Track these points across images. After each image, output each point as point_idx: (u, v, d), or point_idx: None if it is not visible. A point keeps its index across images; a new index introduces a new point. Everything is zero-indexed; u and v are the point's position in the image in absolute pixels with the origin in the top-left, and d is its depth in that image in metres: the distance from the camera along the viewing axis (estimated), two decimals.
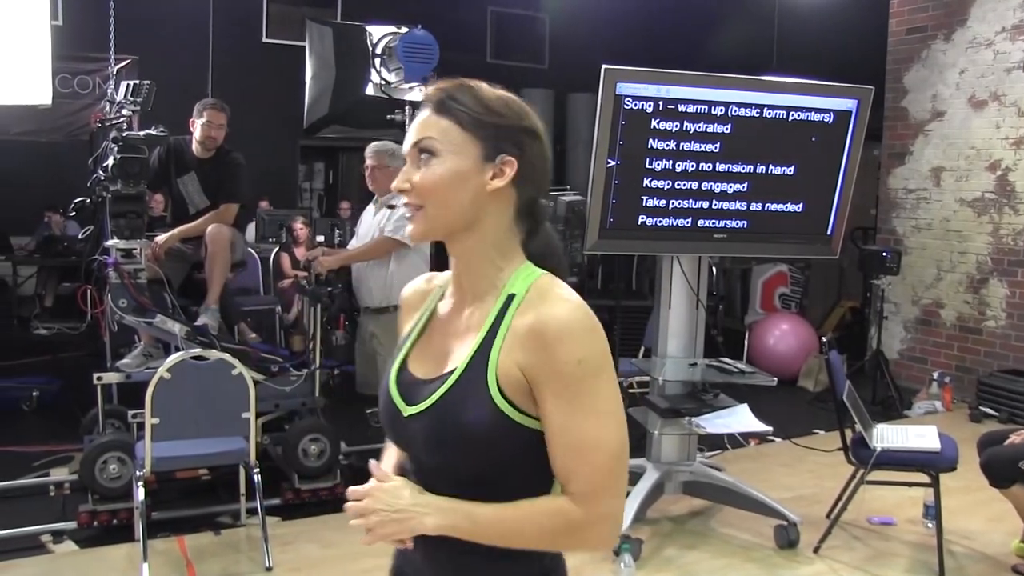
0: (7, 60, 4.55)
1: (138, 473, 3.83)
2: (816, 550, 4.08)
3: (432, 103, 1.40)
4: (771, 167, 4.26)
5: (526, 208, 1.42)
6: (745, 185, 4.24)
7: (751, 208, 4.28)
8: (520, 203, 1.41)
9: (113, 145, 4.25)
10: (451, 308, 1.45)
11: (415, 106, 5.34)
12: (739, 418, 4.23)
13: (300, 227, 7.85)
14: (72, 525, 4.15)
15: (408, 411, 1.39)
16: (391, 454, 1.51)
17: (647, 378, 5.01)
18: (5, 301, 9.46)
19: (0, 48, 4.54)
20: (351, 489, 1.37)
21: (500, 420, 1.31)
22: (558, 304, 1.32)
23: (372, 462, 1.42)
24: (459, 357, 1.36)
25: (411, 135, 1.40)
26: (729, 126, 4.13)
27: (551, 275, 1.40)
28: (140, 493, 3.80)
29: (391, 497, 1.35)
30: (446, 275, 1.51)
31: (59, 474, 4.82)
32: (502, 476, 1.35)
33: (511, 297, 1.36)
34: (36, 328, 8.60)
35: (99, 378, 4.37)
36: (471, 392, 1.33)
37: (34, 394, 6.04)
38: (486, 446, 1.32)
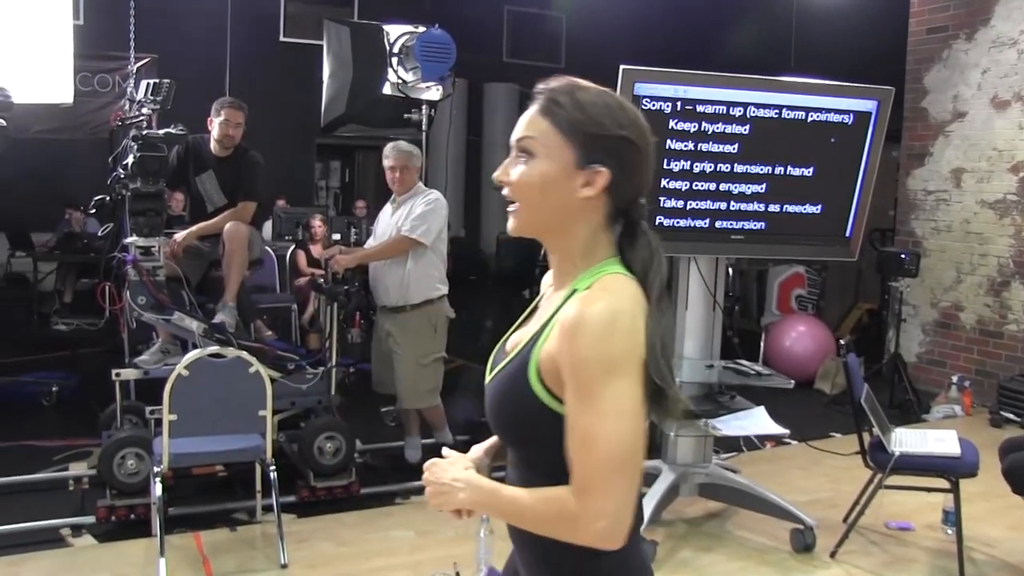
0: (30, 59, 4.59)
1: (155, 469, 3.85)
2: (833, 555, 4.06)
3: (538, 101, 1.44)
4: (789, 168, 4.24)
5: (620, 211, 1.44)
6: (763, 186, 4.22)
7: (769, 209, 4.26)
8: (612, 208, 1.43)
9: (133, 143, 4.27)
10: (547, 296, 1.55)
11: (432, 105, 5.36)
12: (756, 420, 4.21)
13: (318, 224, 7.87)
14: (90, 519, 4.18)
15: (488, 378, 1.53)
16: None
17: None
18: (25, 297, 9.54)
19: (23, 48, 4.56)
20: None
21: (532, 402, 1.39)
22: (591, 302, 1.34)
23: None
24: (523, 341, 1.47)
25: (516, 130, 1.45)
26: (747, 127, 4.12)
27: (619, 275, 1.41)
28: (157, 489, 3.82)
29: (440, 471, 1.51)
30: None
31: (78, 469, 4.87)
32: (537, 453, 1.44)
33: (574, 292, 1.40)
34: (55, 324, 8.66)
35: (117, 374, 4.40)
36: (516, 373, 1.42)
37: (53, 389, 6.08)
38: (517, 422, 1.45)
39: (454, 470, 1.51)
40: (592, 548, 1.34)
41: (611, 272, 1.41)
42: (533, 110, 1.44)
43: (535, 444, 1.43)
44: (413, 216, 4.79)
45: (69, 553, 3.97)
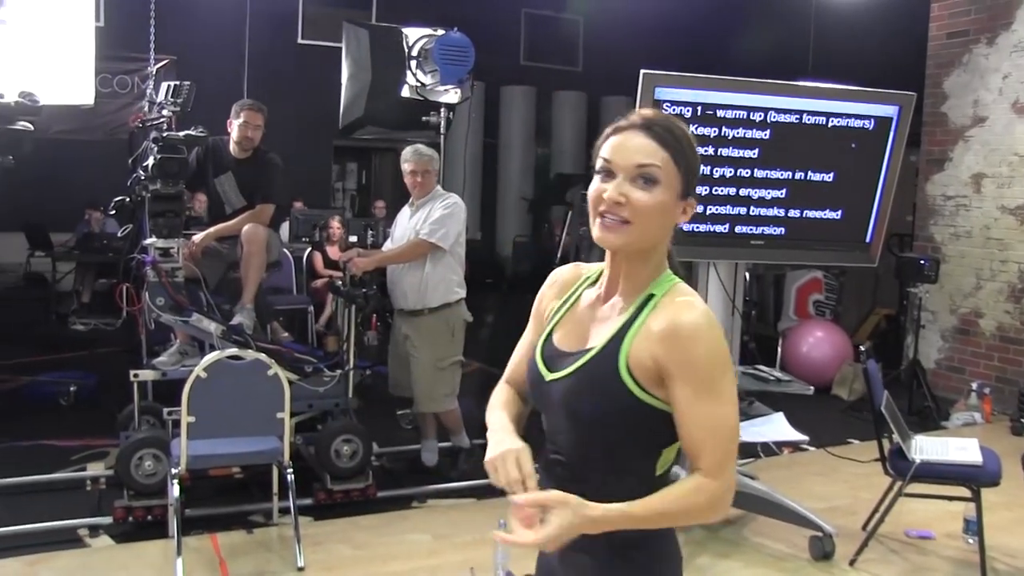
0: (52, 61, 4.61)
1: (173, 470, 3.86)
2: (852, 563, 4.03)
3: (651, 130, 1.57)
4: (810, 173, 4.21)
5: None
6: (783, 191, 4.20)
7: (789, 215, 4.23)
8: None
9: (153, 145, 4.29)
10: (597, 297, 1.66)
11: (450, 108, 5.35)
12: (775, 426, 4.19)
13: (336, 226, 7.89)
14: (108, 520, 4.20)
15: (549, 376, 1.63)
16: (500, 412, 1.72)
17: None
18: (44, 297, 9.60)
19: (45, 49, 4.59)
20: (532, 498, 1.48)
21: (623, 394, 1.54)
22: (690, 310, 1.55)
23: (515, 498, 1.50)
24: (599, 338, 1.59)
25: (633, 154, 1.55)
26: (768, 132, 4.10)
27: (682, 282, 1.64)
28: (175, 490, 3.83)
29: (551, 528, 1.44)
30: (593, 267, 1.75)
31: (96, 469, 4.89)
32: (617, 440, 1.57)
33: (650, 297, 1.59)
34: (74, 324, 8.69)
35: (135, 375, 4.42)
36: (604, 368, 1.56)
37: (71, 389, 6.11)
38: (607, 412, 1.55)
39: (560, 517, 1.45)
40: (660, 545, 1.62)
41: (677, 279, 1.63)
42: (646, 137, 1.57)
43: (619, 428, 1.56)
44: (432, 220, 4.78)
45: (87, 553, 3.99)
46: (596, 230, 1.58)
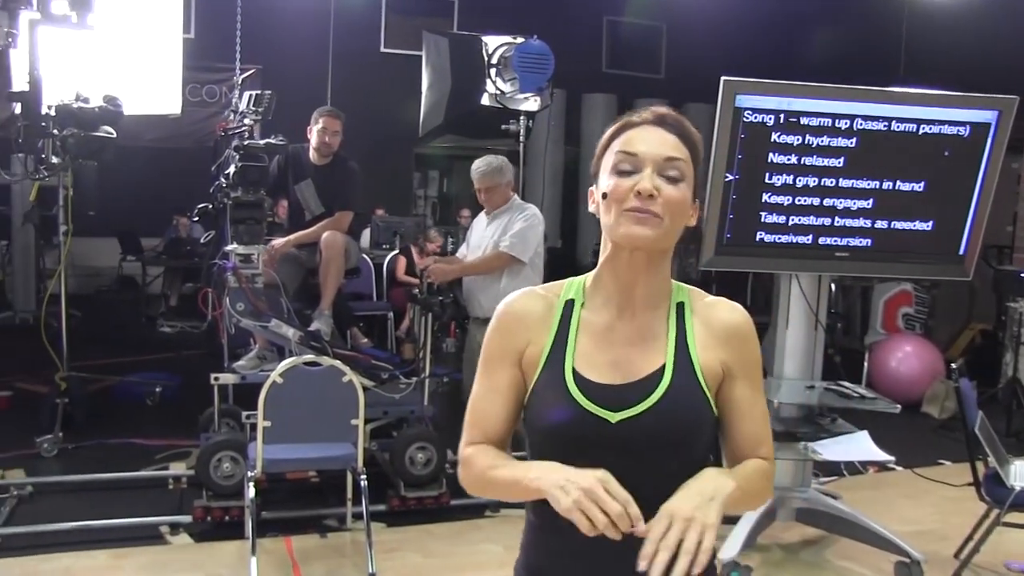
0: (142, 73, 4.75)
1: (249, 473, 3.91)
2: None
3: (670, 126, 1.52)
4: (899, 183, 4.06)
5: None
6: (870, 201, 4.05)
7: (876, 226, 4.09)
8: None
9: (235, 153, 4.37)
10: (610, 317, 1.53)
11: (530, 116, 5.33)
12: (859, 445, 4.05)
13: (434, 236, 7.96)
14: (187, 519, 4.28)
15: (618, 417, 1.45)
16: (513, 461, 1.53)
17: None
18: (134, 299, 9.90)
19: (136, 62, 4.73)
20: (661, 546, 1.32)
21: (709, 411, 1.50)
22: (733, 308, 1.57)
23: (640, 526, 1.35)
24: (655, 360, 1.50)
25: (660, 147, 1.49)
26: (854, 140, 3.96)
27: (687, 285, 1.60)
28: (251, 492, 3.88)
29: (694, 517, 1.34)
30: (556, 286, 1.61)
31: (177, 468, 5.01)
32: (696, 461, 1.48)
33: (681, 304, 1.55)
34: (161, 326, 8.95)
35: (216, 378, 4.50)
36: (688, 390, 1.48)
37: (157, 390, 6.27)
38: (699, 436, 1.50)
39: (696, 508, 1.35)
40: None
41: (683, 285, 1.58)
42: (668, 133, 1.51)
43: (700, 448, 1.51)
44: (511, 232, 4.76)
45: (167, 550, 4.08)
46: (624, 226, 1.46)
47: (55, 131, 4.13)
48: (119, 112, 3.96)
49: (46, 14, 3.97)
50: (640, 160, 1.48)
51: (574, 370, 1.50)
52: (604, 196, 1.50)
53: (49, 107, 3.99)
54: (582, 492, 1.32)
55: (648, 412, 1.45)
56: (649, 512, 1.41)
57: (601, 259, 1.57)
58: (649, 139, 1.50)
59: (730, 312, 1.56)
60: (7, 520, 4.23)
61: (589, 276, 1.59)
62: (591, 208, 1.58)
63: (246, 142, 4.41)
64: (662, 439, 1.46)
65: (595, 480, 1.34)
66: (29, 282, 8.43)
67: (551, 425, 1.49)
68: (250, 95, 4.73)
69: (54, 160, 4.33)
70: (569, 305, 1.56)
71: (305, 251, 5.02)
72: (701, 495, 1.38)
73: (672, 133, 1.51)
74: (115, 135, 3.92)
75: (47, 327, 5.45)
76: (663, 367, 1.49)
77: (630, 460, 1.43)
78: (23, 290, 8.43)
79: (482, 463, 1.55)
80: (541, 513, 1.50)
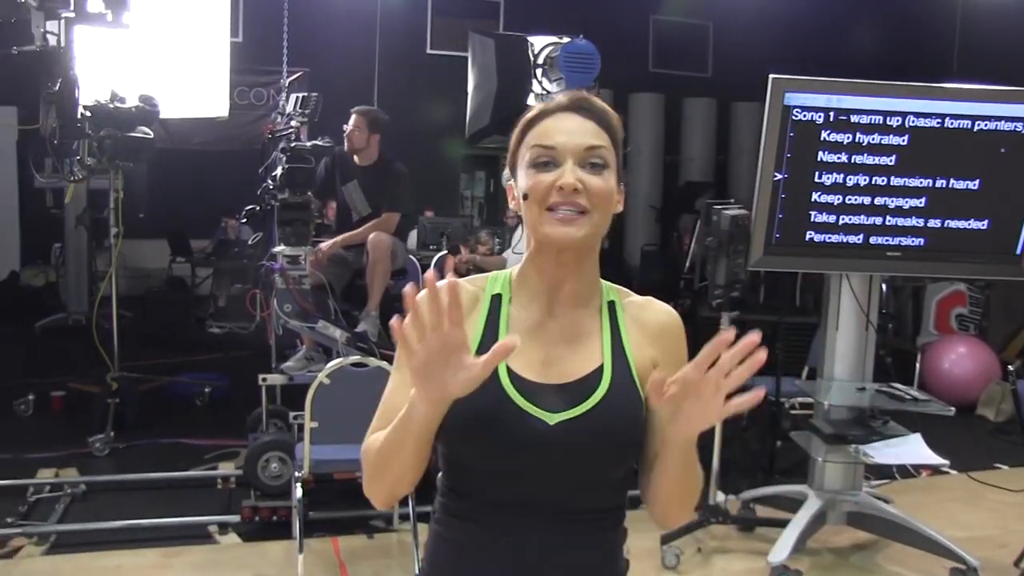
0: (191, 77, 4.81)
1: (297, 474, 3.94)
2: None
3: (587, 111, 1.43)
4: (952, 181, 3.98)
5: None
6: (923, 200, 3.98)
7: (929, 225, 4.01)
8: None
9: (282, 155, 4.41)
10: (539, 314, 1.45)
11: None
12: (911, 448, 3.97)
13: (485, 238, 7.98)
14: (236, 518, 4.32)
15: (557, 418, 1.36)
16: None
17: (810, 400, 4.79)
18: (183, 300, 10.04)
19: (185, 66, 4.79)
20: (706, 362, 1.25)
21: (642, 409, 1.41)
22: (661, 305, 1.51)
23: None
24: (591, 360, 1.42)
25: (579, 136, 1.40)
26: (906, 138, 3.89)
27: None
28: (298, 492, 3.91)
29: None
30: (480, 279, 1.51)
31: (226, 468, 5.06)
32: (628, 469, 1.45)
33: (612, 303, 1.48)
34: (210, 327, 9.06)
35: (264, 379, 4.54)
36: (627, 392, 1.40)
37: (206, 390, 6.34)
38: (635, 439, 1.41)
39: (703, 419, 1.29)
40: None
41: (607, 283, 1.52)
42: (586, 119, 1.42)
43: (635, 449, 1.43)
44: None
45: (216, 549, 4.12)
46: (548, 226, 1.37)
47: (90, 132, 4.07)
48: (155, 112, 3.92)
49: (81, 13, 3.88)
50: (559, 153, 1.39)
51: (508, 368, 1.39)
52: (525, 196, 1.40)
53: (84, 108, 3.91)
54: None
55: (588, 414, 1.37)
56: (579, 520, 1.40)
57: (525, 256, 1.48)
58: (566, 128, 1.40)
59: (662, 311, 1.50)
60: (61, 517, 4.32)
61: (514, 270, 1.50)
62: (511, 205, 1.49)
63: (293, 144, 4.45)
64: (601, 442, 1.37)
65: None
66: (81, 284, 8.57)
67: (484, 425, 1.37)
68: (297, 97, 4.77)
69: (89, 161, 4.29)
70: (496, 300, 1.47)
71: (352, 252, 5.05)
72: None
73: (589, 119, 1.42)
74: (152, 136, 3.89)
75: (99, 328, 5.54)
76: (601, 368, 1.41)
77: (567, 464, 1.37)
78: (75, 292, 8.58)
79: (372, 444, 1.43)
80: (446, 523, 1.48)
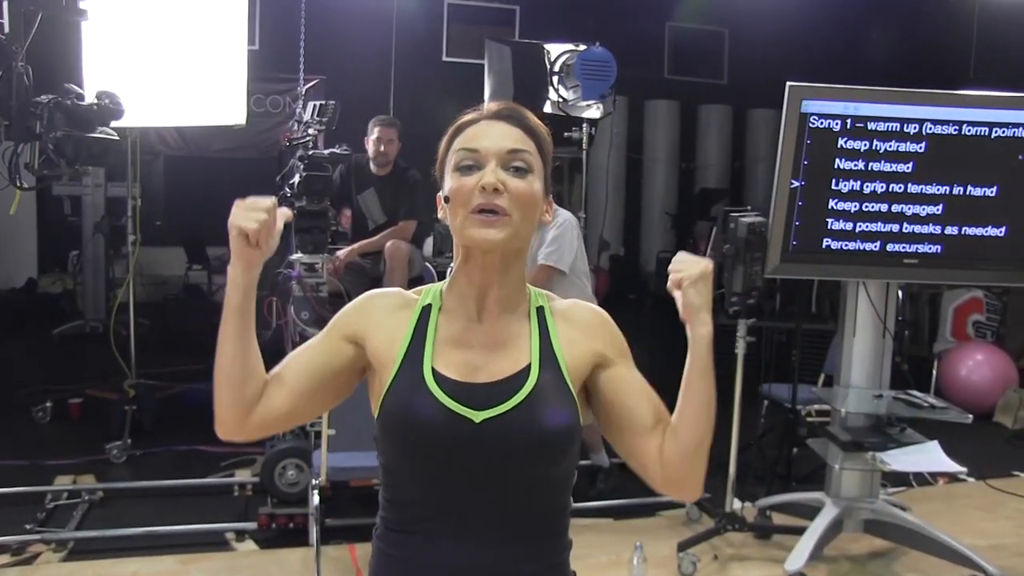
0: (208, 85, 4.83)
1: (314, 481, 3.95)
2: None
3: (511, 119, 1.47)
4: (970, 188, 3.97)
5: None
6: (940, 207, 3.97)
7: (946, 232, 4.00)
8: None
9: (299, 163, 4.44)
10: (467, 320, 1.48)
11: (592, 124, 5.32)
12: (929, 456, 3.95)
13: None
14: (253, 525, 4.32)
15: (482, 416, 1.39)
16: None
17: (826, 407, 4.78)
18: (201, 307, 10.08)
19: (202, 74, 4.82)
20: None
21: (575, 410, 1.44)
22: (592, 306, 1.56)
23: None
24: (519, 360, 1.44)
25: (501, 139, 1.44)
26: (923, 144, 3.89)
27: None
28: (315, 500, 3.92)
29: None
30: (417, 291, 1.55)
31: (242, 475, 5.07)
32: (568, 466, 1.47)
33: (541, 308, 1.51)
34: None
35: None
36: (555, 388, 1.43)
37: None
38: (567, 437, 1.42)
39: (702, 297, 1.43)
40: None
41: (534, 289, 1.55)
42: (510, 126, 1.46)
43: (568, 460, 1.46)
44: (546, 243, 4.73)
45: (233, 556, 4.13)
46: (471, 228, 1.40)
47: (41, 133, 3.46)
48: (118, 110, 3.56)
49: None
50: (482, 155, 1.42)
51: (433, 369, 1.43)
52: (447, 200, 1.45)
53: (33, 107, 3.43)
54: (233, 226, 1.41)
55: (514, 411, 1.39)
56: (518, 528, 1.42)
57: (454, 264, 1.52)
58: (490, 133, 1.45)
59: (589, 310, 1.55)
60: (79, 524, 4.34)
61: (446, 280, 1.54)
62: (439, 214, 1.52)
63: (310, 152, 4.47)
64: (529, 439, 1.39)
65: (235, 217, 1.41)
66: (99, 291, 8.61)
67: (411, 425, 1.41)
68: (314, 105, 4.79)
69: (43, 167, 3.59)
70: (426, 310, 1.50)
71: (369, 260, 5.08)
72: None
73: (514, 126, 1.46)
74: (116, 136, 3.57)
75: (116, 335, 5.57)
76: (528, 366, 1.44)
77: (496, 462, 1.39)
78: (93, 299, 8.62)
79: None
80: (385, 538, 1.50)
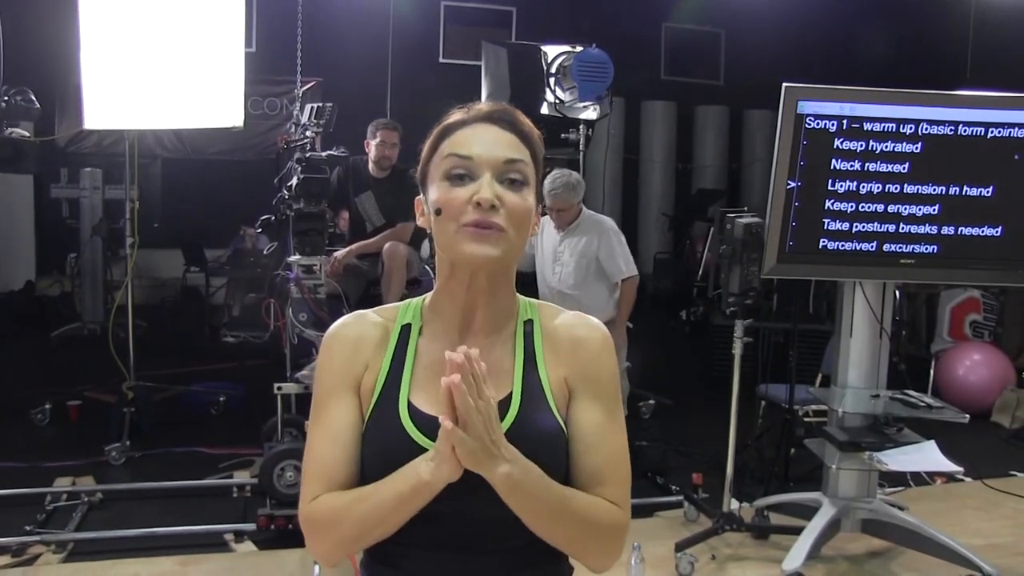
0: (205, 88, 4.84)
1: None
2: None
3: (505, 123, 1.35)
4: (966, 188, 3.98)
5: None
6: (936, 208, 3.98)
7: (942, 232, 4.01)
8: None
9: (297, 165, 4.44)
10: (450, 344, 1.31)
11: (589, 125, 5.33)
12: (926, 455, 3.95)
13: None
14: (252, 526, 4.33)
15: None
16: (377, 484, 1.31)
17: (824, 407, 4.79)
18: (199, 309, 10.08)
19: (200, 77, 4.82)
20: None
21: (561, 434, 1.33)
22: (588, 322, 1.40)
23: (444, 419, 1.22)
24: (500, 388, 1.31)
25: (497, 148, 1.32)
26: (919, 145, 3.90)
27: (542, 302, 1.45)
28: None
29: (488, 427, 1.21)
30: (391, 309, 1.44)
31: (241, 477, 5.08)
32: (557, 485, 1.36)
33: (529, 322, 1.39)
34: (224, 336, 9.08)
35: (279, 388, 4.56)
36: (539, 417, 1.32)
37: (221, 399, 6.36)
38: (555, 463, 1.31)
39: (500, 434, 1.23)
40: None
41: (532, 300, 1.44)
42: (505, 131, 1.34)
43: (557, 479, 1.32)
44: (616, 254, 4.76)
45: (232, 558, 4.13)
46: (462, 244, 1.28)
47: None
48: (32, 109, 3.36)
49: None
50: (476, 164, 1.30)
51: (409, 403, 1.33)
52: (438, 212, 1.31)
53: None
54: (446, 442, 1.21)
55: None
56: (509, 560, 1.33)
57: (437, 280, 1.40)
58: (484, 139, 1.31)
59: (582, 326, 1.39)
60: (79, 525, 4.35)
61: (428, 296, 1.42)
62: (420, 221, 1.41)
63: (308, 154, 4.47)
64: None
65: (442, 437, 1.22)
66: (97, 294, 8.61)
67: (383, 464, 1.29)
68: (311, 107, 4.80)
69: None
70: (406, 330, 1.39)
71: (367, 261, 5.08)
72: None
73: (509, 131, 1.34)
74: (31, 137, 3.35)
75: (114, 337, 5.57)
76: (509, 396, 1.33)
77: (475, 501, 1.27)
78: (91, 301, 8.61)
79: (338, 503, 1.32)
80: (371, 569, 1.44)
